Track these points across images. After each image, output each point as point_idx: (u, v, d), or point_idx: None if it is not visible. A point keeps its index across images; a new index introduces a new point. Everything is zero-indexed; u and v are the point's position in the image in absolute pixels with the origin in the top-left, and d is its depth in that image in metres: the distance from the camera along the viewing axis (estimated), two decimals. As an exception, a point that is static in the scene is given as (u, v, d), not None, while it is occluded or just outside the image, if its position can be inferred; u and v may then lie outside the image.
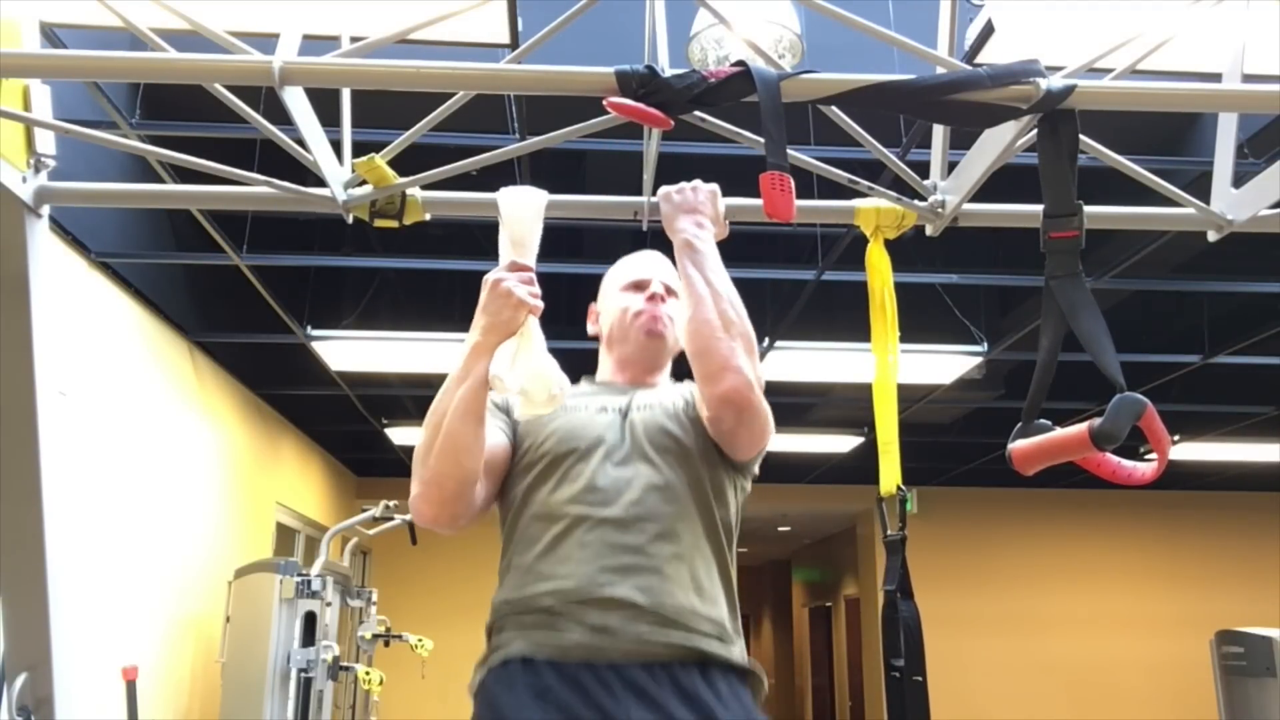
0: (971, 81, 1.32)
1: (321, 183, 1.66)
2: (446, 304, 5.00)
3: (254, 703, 4.90)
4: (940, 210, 1.76)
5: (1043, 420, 1.34)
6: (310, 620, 5.21)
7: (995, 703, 8.73)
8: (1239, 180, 1.82)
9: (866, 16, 1.50)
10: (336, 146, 1.71)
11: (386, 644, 6.54)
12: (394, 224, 1.71)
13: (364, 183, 1.68)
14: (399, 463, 8.29)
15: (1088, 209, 1.32)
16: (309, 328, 4.89)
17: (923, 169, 1.79)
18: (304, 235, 4.50)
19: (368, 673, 5.63)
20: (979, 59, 2.06)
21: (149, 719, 4.30)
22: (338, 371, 5.60)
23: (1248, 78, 1.79)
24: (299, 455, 7.31)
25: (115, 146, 1.84)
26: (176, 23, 1.57)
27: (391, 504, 5.98)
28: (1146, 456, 1.31)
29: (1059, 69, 1.46)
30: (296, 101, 1.54)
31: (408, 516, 6.12)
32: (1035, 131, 1.38)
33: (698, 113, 1.43)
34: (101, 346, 3.99)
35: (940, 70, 1.47)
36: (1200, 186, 1.87)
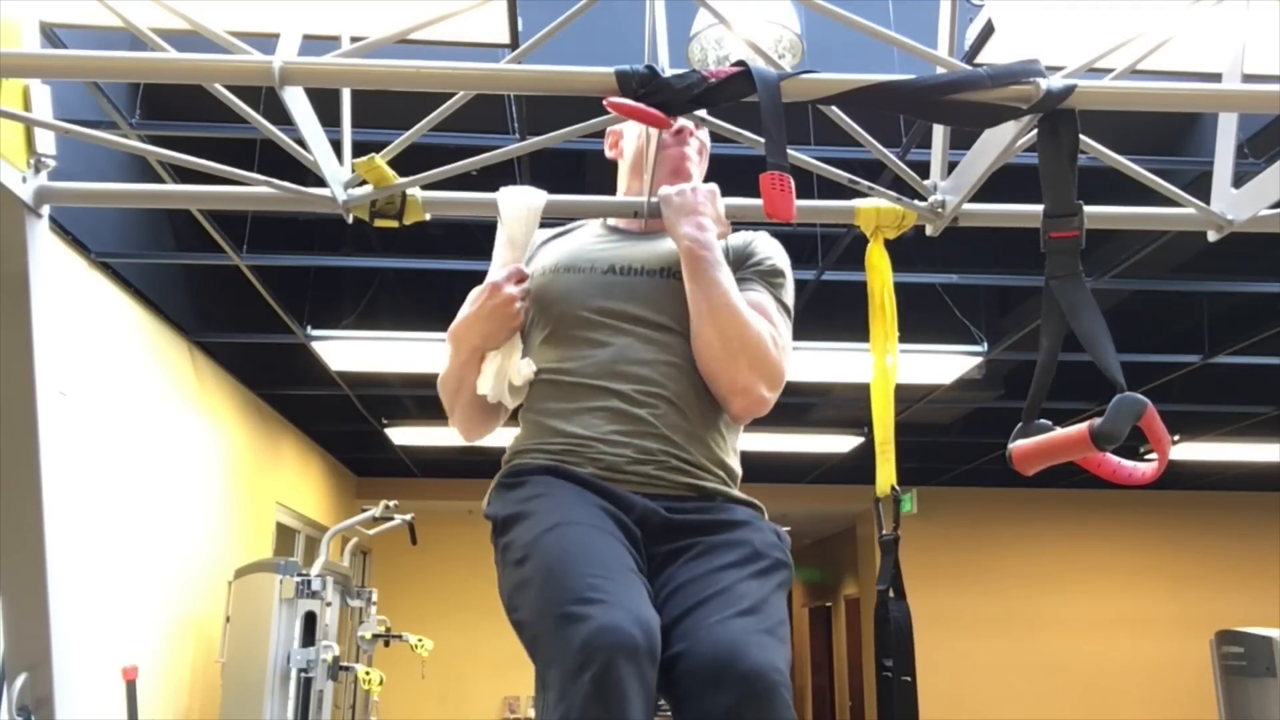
0: (971, 81, 1.32)
1: (321, 183, 1.66)
2: (446, 304, 4.97)
3: (254, 703, 4.90)
4: (940, 210, 1.76)
5: (1043, 420, 1.34)
6: (310, 620, 5.21)
7: (995, 703, 8.74)
8: (1239, 180, 1.82)
9: (866, 16, 1.50)
10: (336, 146, 1.71)
11: (386, 644, 6.55)
12: (394, 224, 1.71)
13: (364, 183, 1.68)
14: (399, 463, 8.30)
15: (1088, 209, 1.32)
16: (309, 328, 4.90)
17: (923, 169, 1.79)
18: (304, 235, 4.50)
19: (368, 673, 5.63)
20: (979, 59, 2.06)
21: (149, 719, 4.30)
22: (338, 371, 5.60)
23: (1248, 78, 1.78)
24: (299, 455, 7.31)
25: (115, 146, 1.84)
26: (176, 23, 1.57)
27: (391, 504, 5.99)
28: (1146, 456, 1.31)
29: (1059, 69, 1.46)
30: (296, 101, 1.54)
31: (408, 516, 6.13)
32: (1035, 131, 1.38)
33: (698, 113, 1.43)
34: (101, 346, 3.99)
35: (940, 70, 1.47)
36: (1200, 186, 1.87)
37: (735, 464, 1.51)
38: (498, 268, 1.55)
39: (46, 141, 1.66)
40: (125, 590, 4.30)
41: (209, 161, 1.67)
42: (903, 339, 1.70)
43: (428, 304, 5.03)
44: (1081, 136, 1.38)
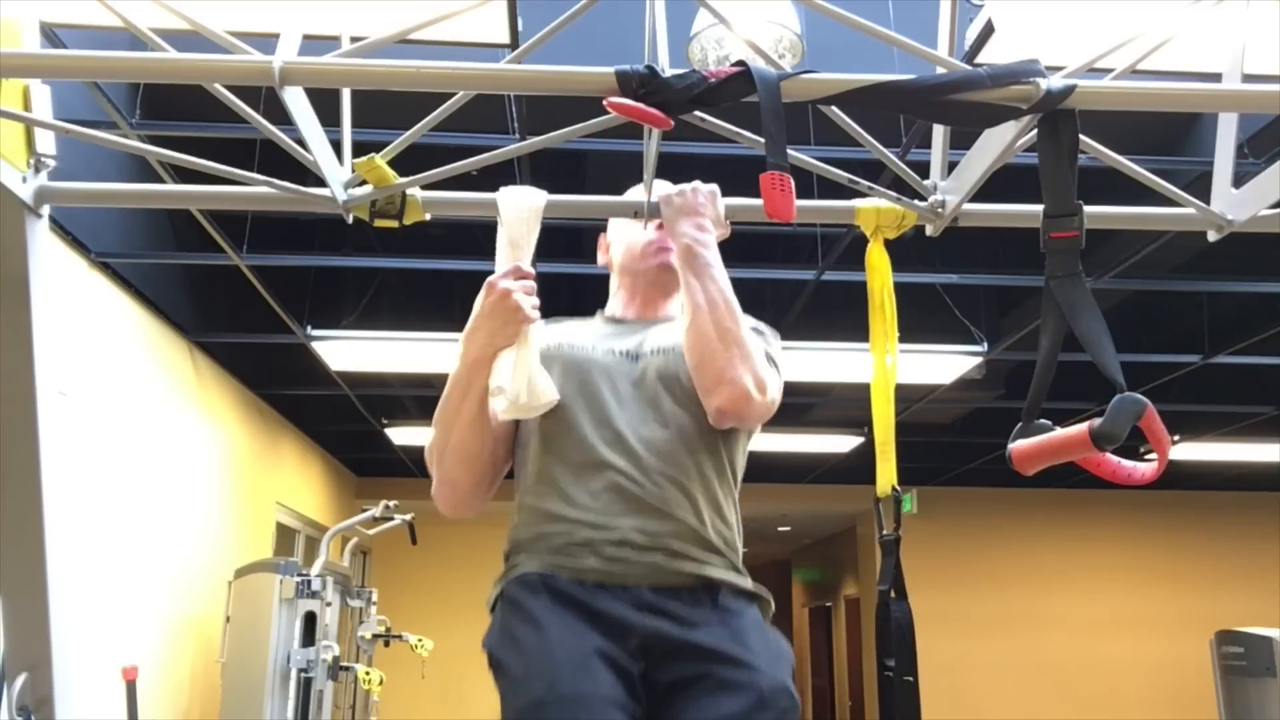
0: (971, 81, 1.32)
1: (321, 183, 1.66)
2: (446, 304, 5.00)
3: (254, 703, 4.90)
4: (940, 210, 1.76)
5: (1043, 420, 1.34)
6: (310, 620, 5.21)
7: (995, 703, 8.73)
8: (1239, 180, 1.82)
9: (866, 16, 1.50)
10: (336, 146, 1.71)
11: (386, 644, 6.55)
12: (394, 224, 1.71)
13: (364, 183, 1.68)
14: (399, 463, 8.29)
15: (1088, 209, 1.32)
16: (309, 328, 4.89)
17: (923, 169, 1.79)
18: (304, 235, 4.50)
19: (368, 673, 5.63)
20: (979, 59, 2.05)
21: (149, 719, 4.30)
22: (338, 371, 5.60)
23: (1248, 78, 1.78)
24: (299, 455, 7.31)
25: (115, 146, 1.84)
26: (176, 23, 1.57)
27: (391, 504, 5.98)
28: (1146, 456, 1.31)
29: (1059, 69, 1.46)
30: (296, 101, 1.54)
31: (408, 516, 6.12)
32: (1035, 131, 1.38)
33: (698, 113, 1.43)
34: (101, 346, 3.99)
35: (940, 70, 1.47)
36: (1200, 186, 1.87)
37: (736, 536, 1.48)
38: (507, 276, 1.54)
39: (46, 141, 1.66)
40: (125, 590, 4.30)
41: (209, 161, 1.68)
42: (903, 339, 1.70)
43: (428, 304, 5.03)
44: (1081, 136, 1.38)
